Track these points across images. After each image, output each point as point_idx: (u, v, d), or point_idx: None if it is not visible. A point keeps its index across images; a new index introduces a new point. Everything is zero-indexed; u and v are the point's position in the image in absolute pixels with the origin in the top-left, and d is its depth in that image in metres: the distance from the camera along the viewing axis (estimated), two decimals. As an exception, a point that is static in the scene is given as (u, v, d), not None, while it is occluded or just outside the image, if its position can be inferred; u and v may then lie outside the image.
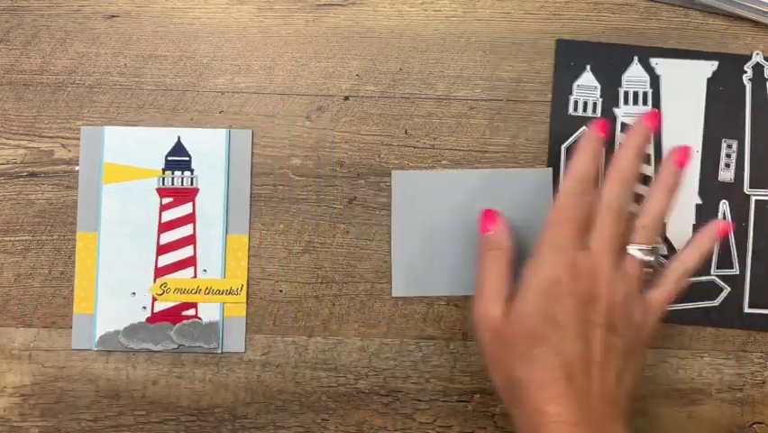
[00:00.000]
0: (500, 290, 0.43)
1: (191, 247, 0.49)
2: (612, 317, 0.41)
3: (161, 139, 0.50)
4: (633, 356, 0.42)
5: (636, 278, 0.43)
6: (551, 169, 0.50)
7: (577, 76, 0.50)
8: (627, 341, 0.42)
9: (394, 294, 0.49)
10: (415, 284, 0.47)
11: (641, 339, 0.43)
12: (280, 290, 0.50)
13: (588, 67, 0.50)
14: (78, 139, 0.50)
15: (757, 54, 0.50)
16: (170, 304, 0.49)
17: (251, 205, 0.50)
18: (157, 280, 0.49)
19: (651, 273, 0.44)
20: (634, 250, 0.43)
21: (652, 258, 0.44)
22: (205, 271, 0.49)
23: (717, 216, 0.50)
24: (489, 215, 0.45)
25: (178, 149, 0.50)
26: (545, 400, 0.40)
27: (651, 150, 0.50)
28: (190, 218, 0.49)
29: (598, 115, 0.50)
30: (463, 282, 0.49)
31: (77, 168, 0.50)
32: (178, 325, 0.49)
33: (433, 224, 0.49)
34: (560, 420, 0.39)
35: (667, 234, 0.49)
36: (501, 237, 0.45)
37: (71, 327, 0.49)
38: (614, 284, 0.42)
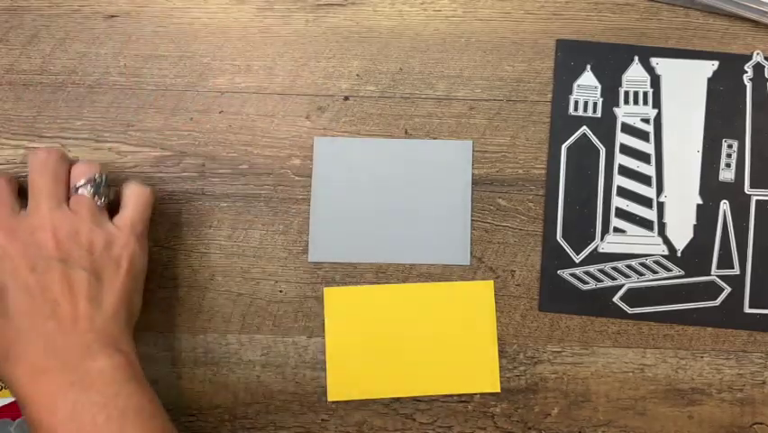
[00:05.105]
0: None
1: None
2: (64, 253, 0.42)
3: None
4: (111, 277, 0.43)
5: (87, 210, 0.44)
6: (471, 141, 0.50)
7: (577, 76, 0.50)
8: (95, 266, 0.43)
9: (311, 259, 0.49)
10: (333, 250, 0.47)
11: (114, 259, 0.44)
12: (280, 291, 0.50)
13: (588, 67, 0.50)
14: (77, 138, 0.50)
15: (758, 54, 0.50)
16: None
17: (250, 205, 0.50)
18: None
19: (105, 199, 0.45)
20: (73, 188, 0.45)
21: (90, 189, 0.45)
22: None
23: (717, 215, 0.50)
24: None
25: None
26: (8, 369, 0.41)
27: (651, 149, 0.50)
28: None
29: (599, 115, 0.50)
30: (382, 250, 0.49)
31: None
32: None
33: (354, 191, 0.49)
34: (23, 382, 0.40)
35: (667, 234, 0.49)
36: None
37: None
38: (56, 223, 0.43)
